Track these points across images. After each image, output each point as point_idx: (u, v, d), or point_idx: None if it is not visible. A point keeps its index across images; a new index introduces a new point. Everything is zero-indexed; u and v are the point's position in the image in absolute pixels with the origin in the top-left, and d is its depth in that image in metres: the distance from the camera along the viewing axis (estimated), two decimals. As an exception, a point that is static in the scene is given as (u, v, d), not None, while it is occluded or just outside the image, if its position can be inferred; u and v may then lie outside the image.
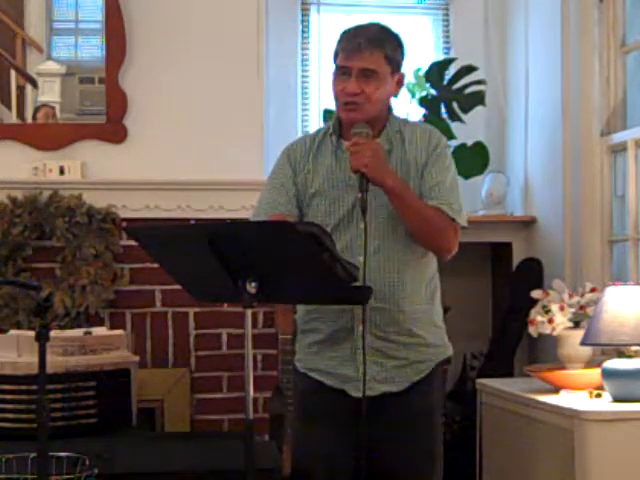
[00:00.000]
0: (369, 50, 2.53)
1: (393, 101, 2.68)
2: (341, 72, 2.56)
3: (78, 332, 3.37)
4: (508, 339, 4.26)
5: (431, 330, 2.63)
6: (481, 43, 4.69)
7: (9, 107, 3.96)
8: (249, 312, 2.13)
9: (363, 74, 2.53)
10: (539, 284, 4.08)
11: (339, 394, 2.60)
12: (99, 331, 3.44)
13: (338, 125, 2.64)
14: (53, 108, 3.96)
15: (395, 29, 2.65)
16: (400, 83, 2.63)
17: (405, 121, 2.72)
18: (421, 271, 2.61)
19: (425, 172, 2.57)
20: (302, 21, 4.63)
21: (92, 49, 4.08)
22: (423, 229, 2.53)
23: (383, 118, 2.61)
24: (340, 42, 2.60)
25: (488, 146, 4.38)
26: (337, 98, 2.59)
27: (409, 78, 4.36)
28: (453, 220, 2.55)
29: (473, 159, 4.34)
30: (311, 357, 2.66)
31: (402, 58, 2.63)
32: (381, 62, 2.55)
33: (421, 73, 4.35)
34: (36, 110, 3.97)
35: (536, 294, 3.55)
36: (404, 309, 2.55)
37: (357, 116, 2.54)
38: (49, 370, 2.24)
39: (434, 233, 2.54)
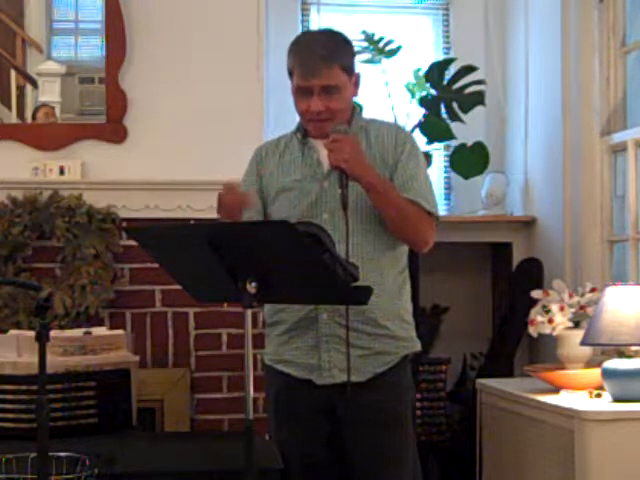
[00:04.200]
0: (325, 67, 2.54)
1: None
2: (301, 92, 2.58)
3: (78, 332, 3.36)
4: (508, 339, 4.26)
5: (397, 323, 2.62)
6: (481, 43, 4.69)
7: (9, 107, 3.96)
8: (249, 312, 2.13)
9: (325, 91, 2.55)
10: (539, 284, 4.08)
11: (307, 386, 2.59)
12: (99, 331, 3.43)
13: (303, 126, 2.67)
14: (53, 108, 3.96)
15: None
16: (357, 83, 2.65)
17: (371, 120, 2.74)
18: (388, 264, 2.61)
19: (398, 167, 2.60)
20: (302, 21, 4.63)
21: (92, 49, 4.07)
22: (401, 222, 2.55)
23: (347, 117, 2.63)
24: (293, 59, 2.63)
25: (488, 146, 4.38)
26: (302, 115, 2.62)
27: (409, 78, 4.36)
28: (429, 213, 2.58)
29: (473, 159, 4.33)
30: (277, 348, 2.66)
31: (354, 59, 2.65)
32: (339, 74, 2.56)
33: (421, 73, 4.34)
34: (36, 110, 3.97)
35: (536, 294, 3.55)
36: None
37: (324, 129, 2.57)
38: (49, 370, 2.24)
39: (412, 225, 2.56)
